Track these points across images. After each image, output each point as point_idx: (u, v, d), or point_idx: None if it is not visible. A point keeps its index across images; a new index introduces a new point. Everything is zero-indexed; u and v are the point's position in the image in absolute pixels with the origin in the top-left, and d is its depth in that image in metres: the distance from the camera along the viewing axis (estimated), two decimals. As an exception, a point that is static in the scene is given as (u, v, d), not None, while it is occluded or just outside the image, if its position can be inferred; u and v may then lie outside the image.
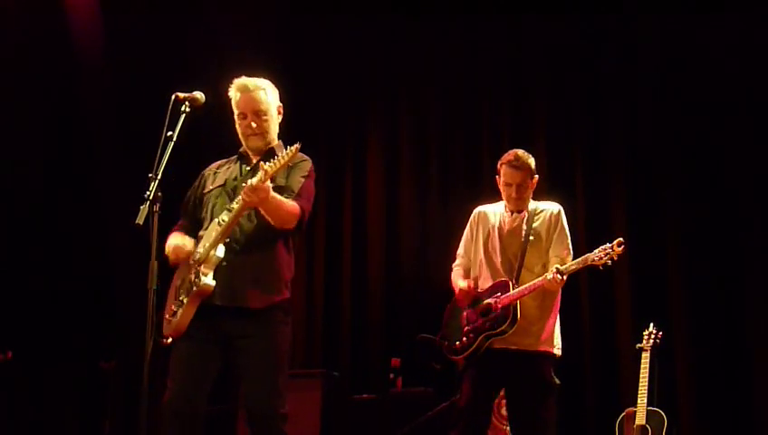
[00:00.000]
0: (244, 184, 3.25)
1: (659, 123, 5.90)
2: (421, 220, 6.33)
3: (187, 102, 3.24)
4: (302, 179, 3.42)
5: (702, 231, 5.67)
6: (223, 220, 3.25)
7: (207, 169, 3.61)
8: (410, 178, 6.47)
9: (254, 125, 3.43)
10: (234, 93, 3.47)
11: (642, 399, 4.71)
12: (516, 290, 3.88)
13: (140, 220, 2.97)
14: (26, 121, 6.07)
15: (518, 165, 4.02)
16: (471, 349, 3.91)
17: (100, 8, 6.21)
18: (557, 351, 4.02)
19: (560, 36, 6.18)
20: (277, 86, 3.51)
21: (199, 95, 3.30)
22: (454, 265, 4.24)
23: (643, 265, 5.71)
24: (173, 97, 3.20)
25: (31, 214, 6.11)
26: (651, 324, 4.93)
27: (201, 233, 3.36)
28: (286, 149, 3.14)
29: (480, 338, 3.90)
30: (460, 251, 4.24)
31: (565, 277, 3.78)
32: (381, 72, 6.64)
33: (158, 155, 3.16)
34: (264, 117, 3.45)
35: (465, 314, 4.05)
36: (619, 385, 5.54)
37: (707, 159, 5.74)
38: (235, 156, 3.55)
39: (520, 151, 4.08)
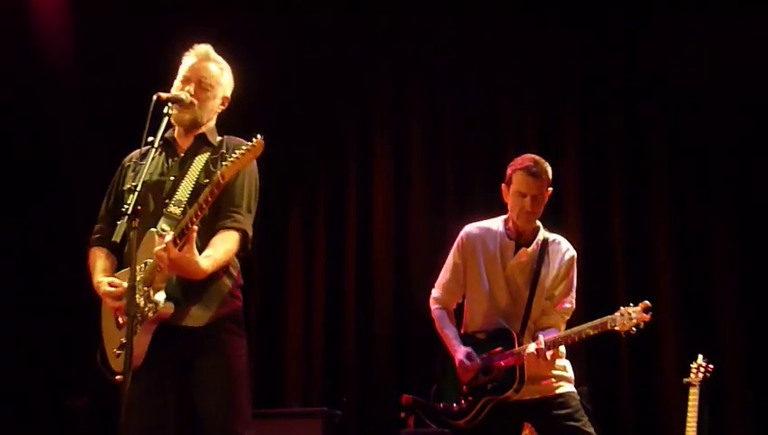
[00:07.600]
0: (173, 178, 3.21)
1: (706, 146, 5.95)
2: (431, 239, 6.23)
3: (169, 104, 3.16)
4: (248, 187, 3.28)
5: (756, 252, 5.68)
6: (163, 230, 3.11)
7: (127, 158, 3.42)
8: (420, 193, 6.48)
9: (190, 90, 3.26)
10: (188, 58, 3.36)
11: (690, 440, 4.67)
12: (522, 352, 3.65)
13: (117, 238, 2.82)
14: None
15: (537, 171, 3.72)
16: (472, 414, 3.74)
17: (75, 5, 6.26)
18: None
19: (591, 37, 6.25)
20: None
21: (184, 96, 3.23)
22: (433, 298, 3.99)
23: (690, 288, 5.72)
24: (154, 98, 3.09)
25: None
26: (700, 356, 4.85)
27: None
28: (234, 150, 2.94)
29: (481, 402, 3.72)
30: (444, 281, 3.97)
31: (550, 353, 3.55)
32: (389, 70, 6.63)
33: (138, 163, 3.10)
34: (207, 91, 3.31)
35: None
36: (663, 424, 5.56)
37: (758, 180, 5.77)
38: (153, 139, 3.17)
39: (537, 157, 3.79)
